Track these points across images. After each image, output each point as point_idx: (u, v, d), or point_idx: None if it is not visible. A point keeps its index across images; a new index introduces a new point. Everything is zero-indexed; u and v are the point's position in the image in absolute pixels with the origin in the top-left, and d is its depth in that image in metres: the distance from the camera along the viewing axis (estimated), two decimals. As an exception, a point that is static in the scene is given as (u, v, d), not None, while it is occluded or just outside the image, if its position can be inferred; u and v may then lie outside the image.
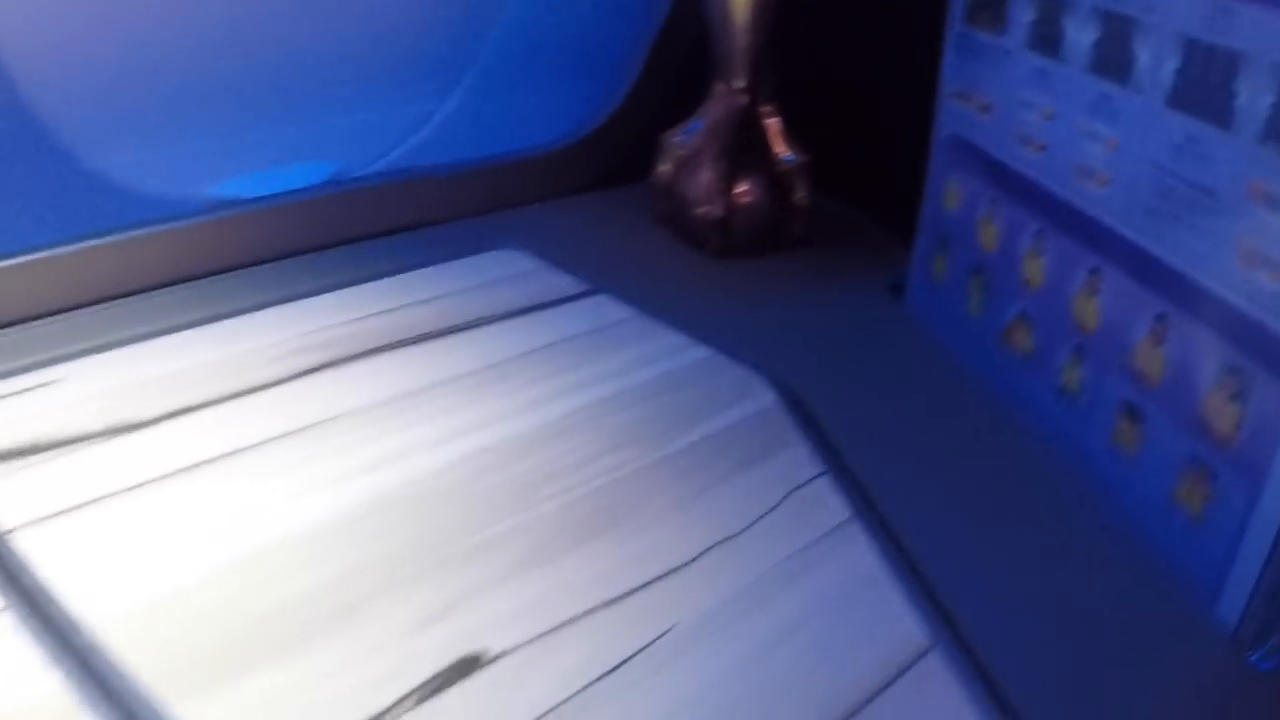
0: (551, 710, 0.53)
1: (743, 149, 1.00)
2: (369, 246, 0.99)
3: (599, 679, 0.54)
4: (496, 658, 0.55)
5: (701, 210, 1.00)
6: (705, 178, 0.99)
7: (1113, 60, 0.65)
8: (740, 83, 0.99)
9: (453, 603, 0.59)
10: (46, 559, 0.60)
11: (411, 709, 0.52)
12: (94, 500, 0.65)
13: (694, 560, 0.62)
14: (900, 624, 0.59)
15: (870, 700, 0.54)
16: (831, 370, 0.83)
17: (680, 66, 1.12)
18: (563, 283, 0.93)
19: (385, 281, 0.93)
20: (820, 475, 0.69)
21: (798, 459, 0.71)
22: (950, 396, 0.81)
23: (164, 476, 0.68)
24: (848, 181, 1.06)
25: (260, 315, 0.86)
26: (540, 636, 0.57)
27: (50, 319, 0.84)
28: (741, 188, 0.99)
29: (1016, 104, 0.75)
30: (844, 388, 0.81)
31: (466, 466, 0.69)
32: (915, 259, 0.91)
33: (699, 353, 0.82)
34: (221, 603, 0.58)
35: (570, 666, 0.55)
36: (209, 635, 0.56)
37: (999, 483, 0.71)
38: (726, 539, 0.64)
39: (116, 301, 0.88)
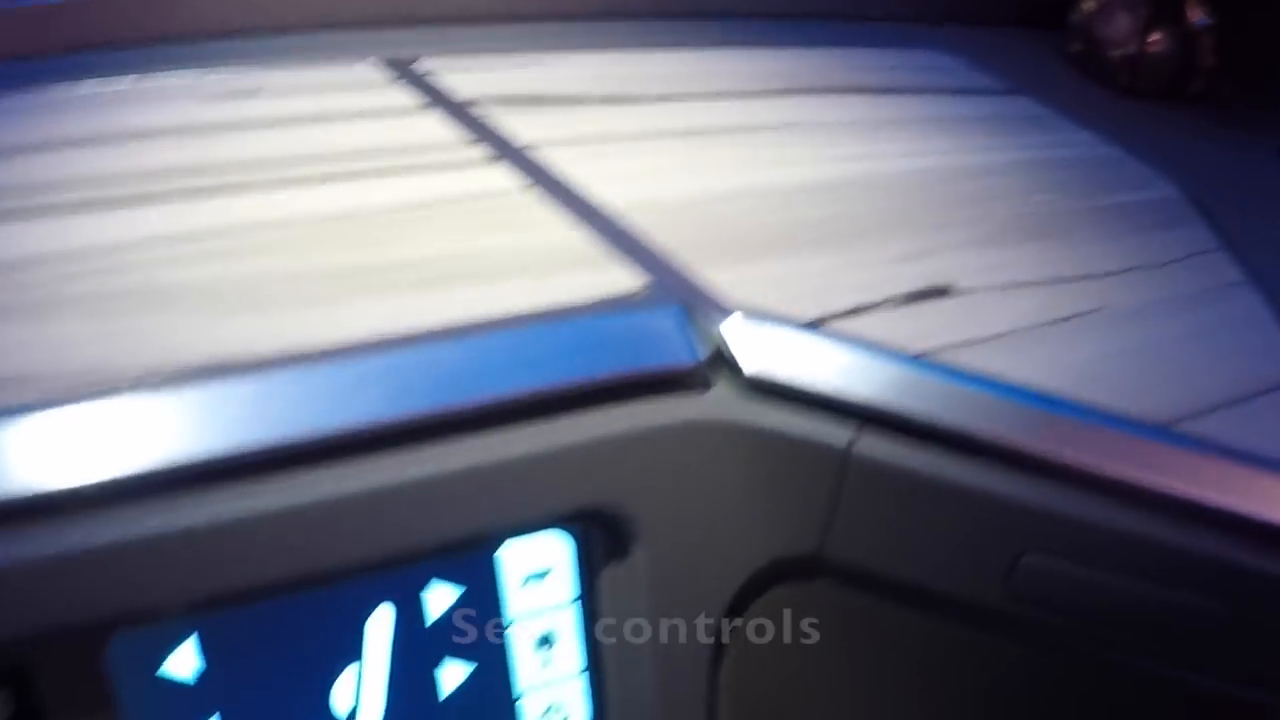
0: (1007, 333, 0.63)
1: (1160, 2, 1.09)
2: (804, 24, 1.12)
3: (1045, 323, 0.65)
4: (964, 291, 0.66)
5: (1116, 51, 1.10)
6: (1123, 21, 1.09)
7: None
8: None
9: (926, 251, 0.70)
10: (563, 166, 0.73)
11: (893, 309, 0.63)
12: (599, 138, 0.79)
13: (1120, 273, 0.72)
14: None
15: (1248, 399, 0.62)
16: (1227, 190, 0.91)
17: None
18: (987, 81, 1.04)
19: (831, 48, 1.05)
20: (1220, 249, 0.78)
21: (1199, 234, 0.80)
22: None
23: (659, 134, 0.81)
24: (1241, 51, 1.14)
25: (733, 51, 1.01)
26: (999, 286, 0.68)
27: (555, 22, 1.00)
28: (1154, 37, 1.09)
29: None
30: (1240, 203, 0.89)
31: (926, 175, 0.81)
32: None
33: (1109, 150, 0.92)
34: (726, 214, 0.71)
35: (1023, 309, 0.66)
36: (717, 231, 0.68)
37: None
38: (1145, 266, 0.74)
39: (606, 21, 1.02)
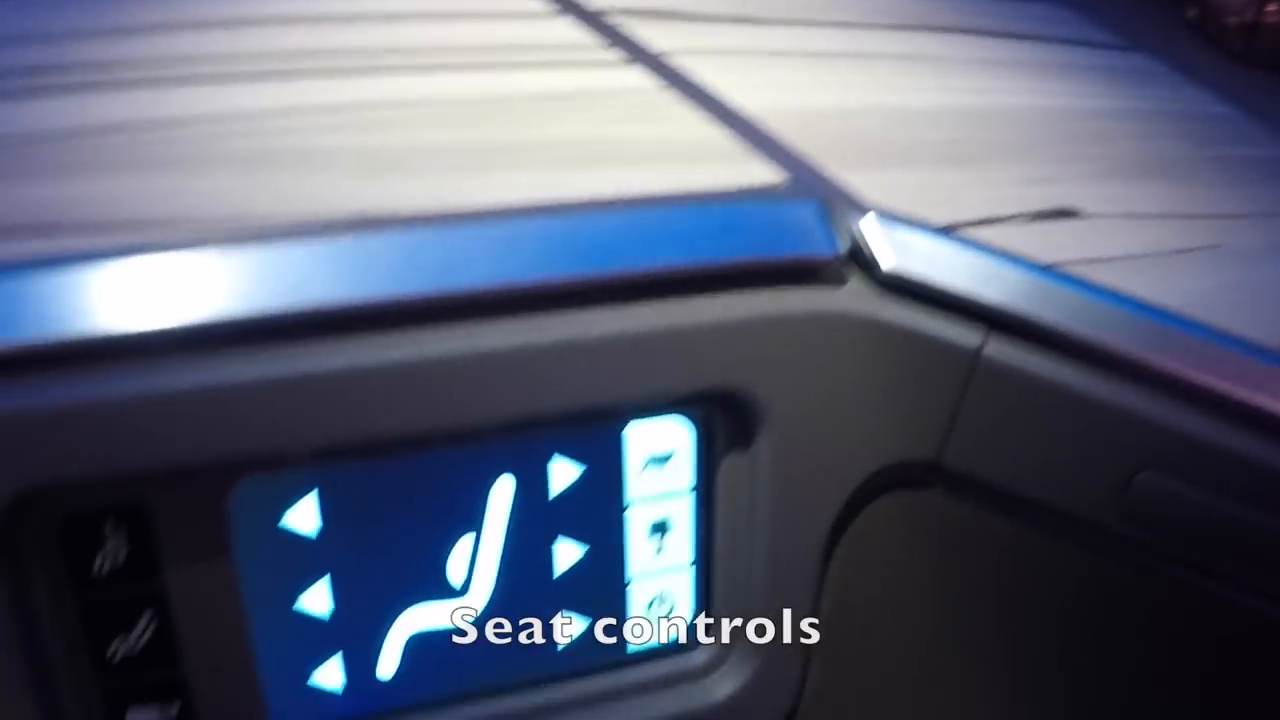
0: (1131, 256, 0.64)
1: (1279, -26, 1.09)
2: None
3: (1167, 252, 0.66)
4: (1089, 216, 0.67)
5: (1232, 18, 1.10)
6: (1241, -10, 1.09)
7: None
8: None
9: (1049, 178, 0.71)
10: (697, 73, 0.74)
11: (1022, 224, 0.64)
12: (730, 51, 0.81)
13: (1239, 217, 0.72)
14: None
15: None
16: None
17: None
18: (1103, 36, 1.05)
19: None
20: (1337, 208, 0.78)
21: (1313, 191, 0.80)
22: None
23: (786, 53, 0.82)
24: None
25: None
26: (1121, 215, 0.68)
27: None
28: (1271, 7, 1.09)
29: None
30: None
31: (1044, 113, 0.82)
32: None
33: (1223, 109, 0.92)
34: (855, 127, 0.72)
35: (1145, 238, 0.66)
36: (848, 140, 0.70)
37: None
38: (1260, 214, 0.74)
39: None
